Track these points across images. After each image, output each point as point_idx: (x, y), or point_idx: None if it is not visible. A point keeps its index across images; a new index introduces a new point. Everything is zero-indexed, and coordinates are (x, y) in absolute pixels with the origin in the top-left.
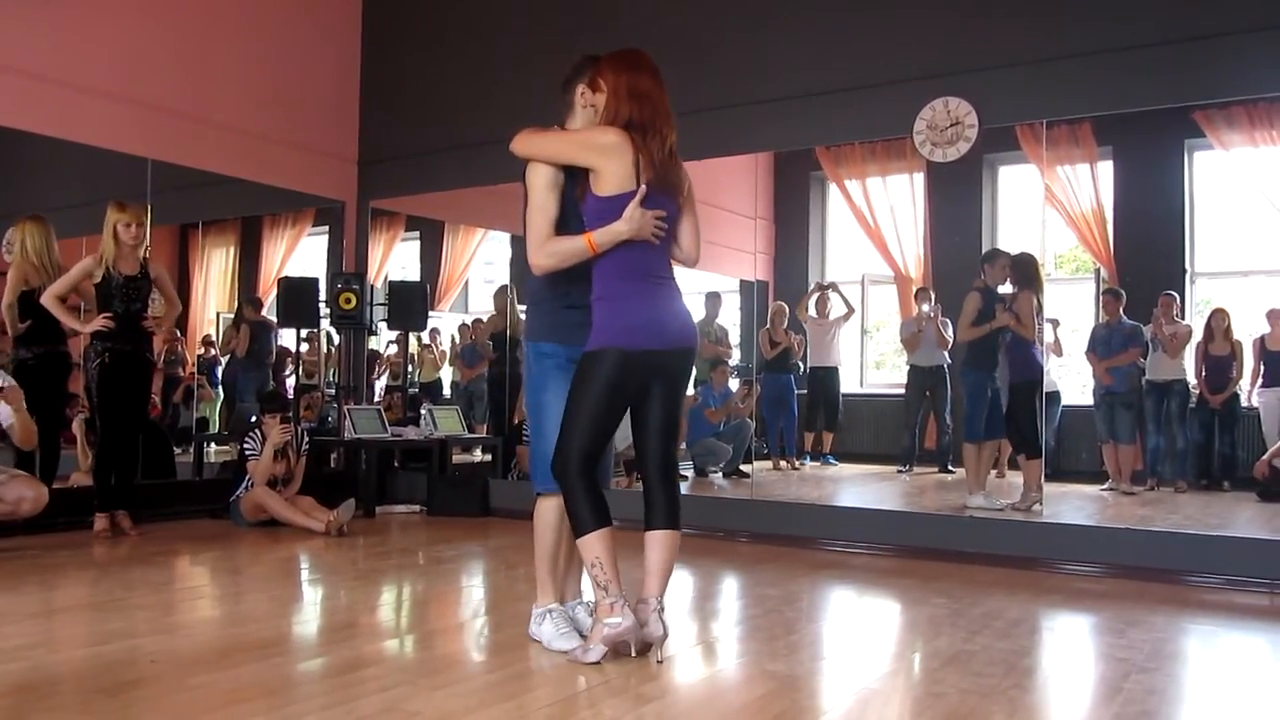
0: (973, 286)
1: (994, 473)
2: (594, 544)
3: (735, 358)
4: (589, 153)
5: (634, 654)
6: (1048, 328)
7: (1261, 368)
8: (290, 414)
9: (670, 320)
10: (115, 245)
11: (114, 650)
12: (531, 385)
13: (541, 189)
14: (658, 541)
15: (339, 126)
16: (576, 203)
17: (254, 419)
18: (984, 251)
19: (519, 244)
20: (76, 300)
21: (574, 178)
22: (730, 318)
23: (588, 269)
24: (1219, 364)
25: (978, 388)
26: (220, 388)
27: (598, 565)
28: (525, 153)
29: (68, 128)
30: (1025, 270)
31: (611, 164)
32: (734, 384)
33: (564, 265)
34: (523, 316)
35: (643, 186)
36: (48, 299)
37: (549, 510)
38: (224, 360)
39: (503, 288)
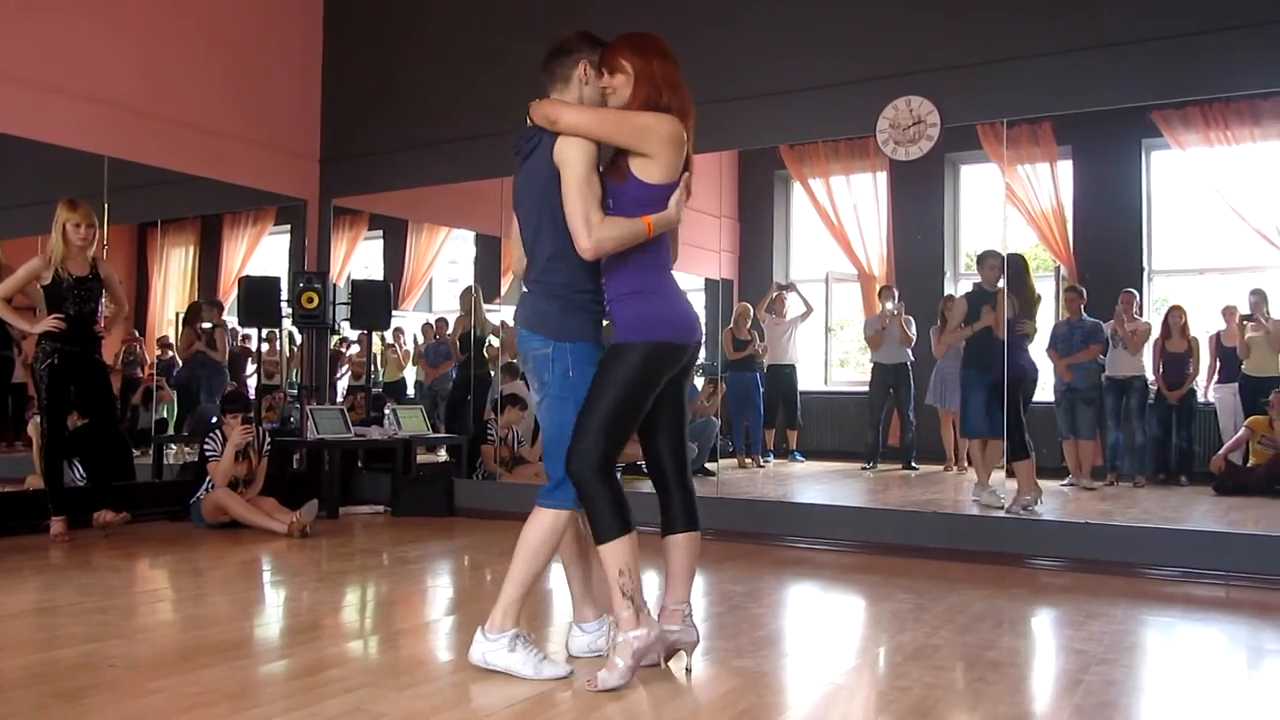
0: (959, 292)
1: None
2: (621, 550)
3: (700, 356)
4: (651, 140)
5: (662, 664)
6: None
7: (1217, 364)
8: (252, 415)
9: (692, 314)
10: (64, 246)
11: (71, 655)
12: (574, 391)
13: (584, 165)
14: (682, 545)
15: (301, 124)
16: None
17: (214, 420)
18: (979, 253)
19: (483, 243)
20: (26, 301)
21: (602, 159)
22: None
23: (598, 262)
24: (1176, 361)
25: (973, 385)
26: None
27: (626, 574)
28: (573, 126)
29: (22, 124)
30: (1012, 270)
31: (670, 155)
32: (699, 382)
33: (623, 248)
34: (489, 317)
35: (688, 173)
36: None
37: (554, 529)
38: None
39: (468, 288)
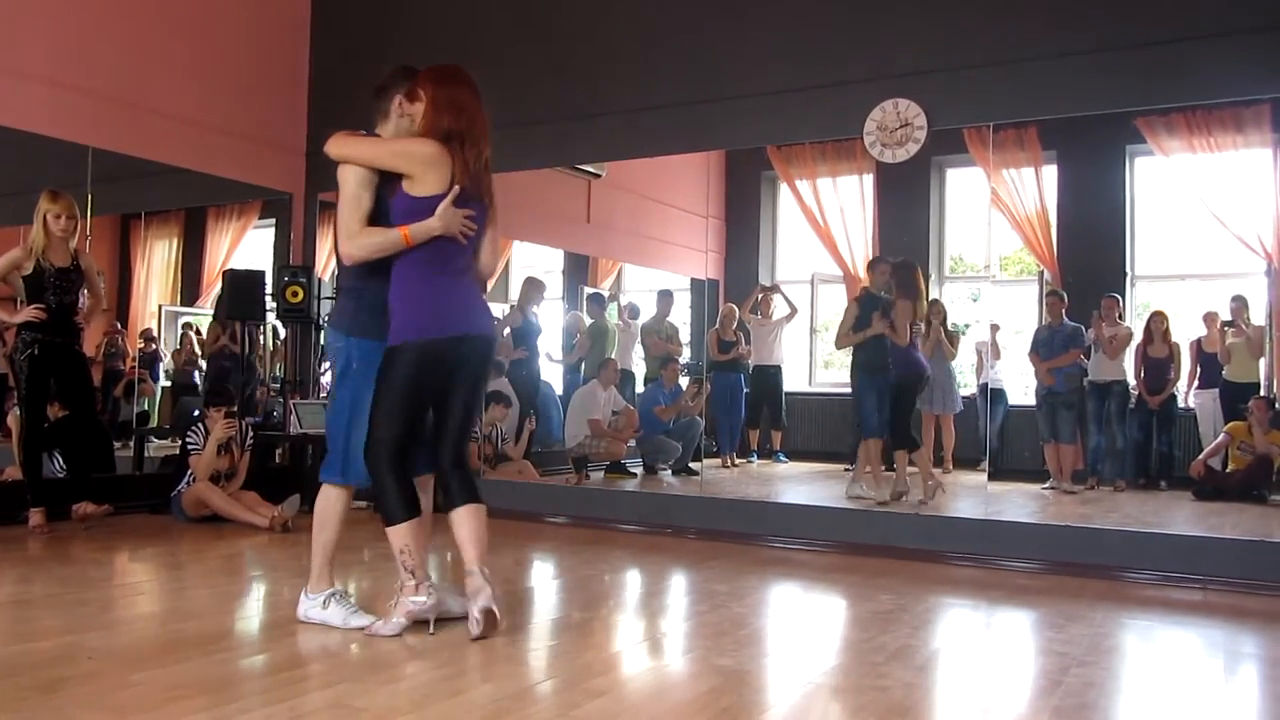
0: (853, 296)
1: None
2: (404, 533)
3: (685, 356)
4: (407, 161)
5: (432, 630)
6: (988, 331)
7: (1198, 369)
8: (235, 408)
9: (470, 307)
10: (45, 236)
11: (50, 647)
12: (354, 382)
13: (355, 185)
14: (464, 516)
15: (287, 117)
16: (385, 200)
17: (196, 414)
18: (869, 259)
19: None
20: (8, 291)
21: (385, 179)
22: (681, 316)
23: (388, 264)
24: (1157, 365)
25: (867, 389)
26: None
27: (406, 551)
28: (341, 156)
29: (5, 114)
30: (903, 277)
31: (429, 173)
32: (684, 382)
33: (375, 256)
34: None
35: (456, 187)
36: None
37: (339, 499)
38: (204, 362)
39: None
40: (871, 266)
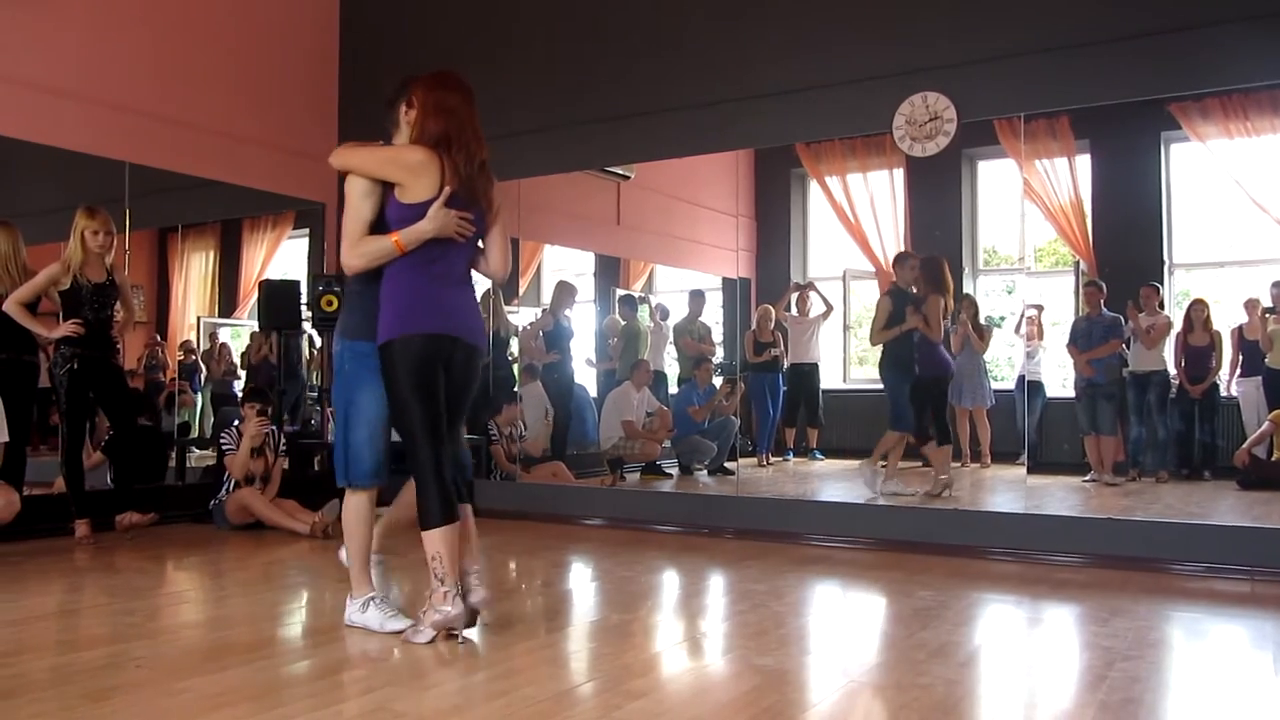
0: (884, 290)
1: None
2: (437, 539)
3: (719, 355)
4: (395, 169)
5: (461, 641)
6: (1031, 312)
7: (1240, 357)
8: (270, 408)
9: (454, 311)
10: (83, 252)
11: (98, 655)
12: (346, 383)
13: (357, 195)
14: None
15: (318, 127)
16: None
17: (235, 422)
18: (895, 254)
19: None
20: (51, 308)
21: (386, 189)
22: (713, 315)
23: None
24: (1198, 354)
25: (899, 385)
26: (209, 396)
27: (438, 559)
28: (341, 165)
29: (44, 132)
30: (932, 272)
31: (418, 179)
32: (717, 381)
33: (373, 264)
34: (510, 319)
35: (446, 189)
36: (9, 305)
37: (360, 505)
38: (240, 372)
39: (486, 291)
40: (899, 261)
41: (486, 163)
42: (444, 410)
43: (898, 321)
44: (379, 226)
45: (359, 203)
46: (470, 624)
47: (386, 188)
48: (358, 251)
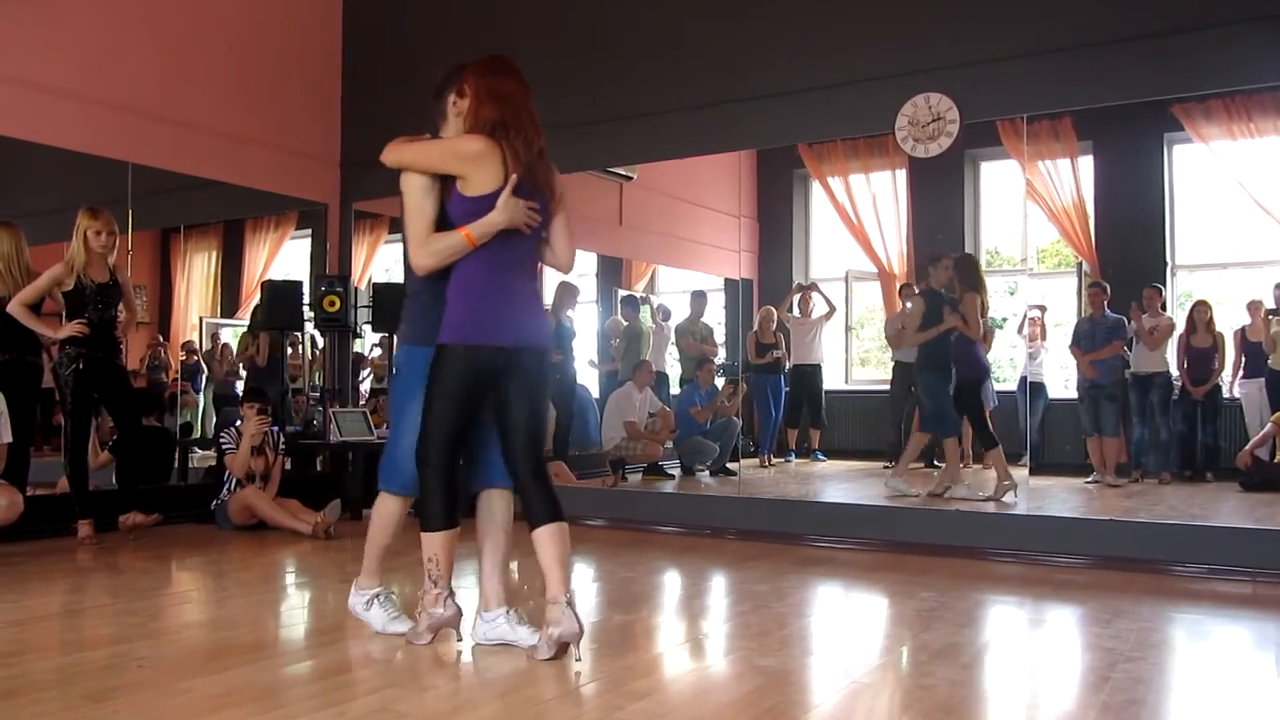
0: (917, 290)
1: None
2: (436, 542)
3: (720, 356)
4: (454, 160)
5: (459, 640)
6: (1034, 313)
7: (1242, 359)
8: (269, 407)
9: (518, 320)
10: (86, 252)
11: (100, 656)
12: (402, 387)
13: (417, 193)
14: (547, 537)
15: (321, 128)
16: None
17: (235, 422)
18: (930, 254)
19: None
20: (55, 308)
21: (444, 183)
22: (715, 316)
23: (444, 270)
24: (1201, 356)
25: (938, 386)
26: (210, 397)
27: (434, 561)
28: (395, 162)
29: (46, 132)
30: (967, 271)
31: (479, 170)
32: (720, 382)
33: (445, 262)
34: None
35: (513, 176)
36: (14, 307)
37: (391, 508)
38: (224, 369)
39: None
40: (934, 262)
41: (545, 149)
42: (478, 419)
43: (934, 323)
44: (440, 224)
45: (420, 200)
46: (559, 655)
47: (446, 182)
48: (428, 250)
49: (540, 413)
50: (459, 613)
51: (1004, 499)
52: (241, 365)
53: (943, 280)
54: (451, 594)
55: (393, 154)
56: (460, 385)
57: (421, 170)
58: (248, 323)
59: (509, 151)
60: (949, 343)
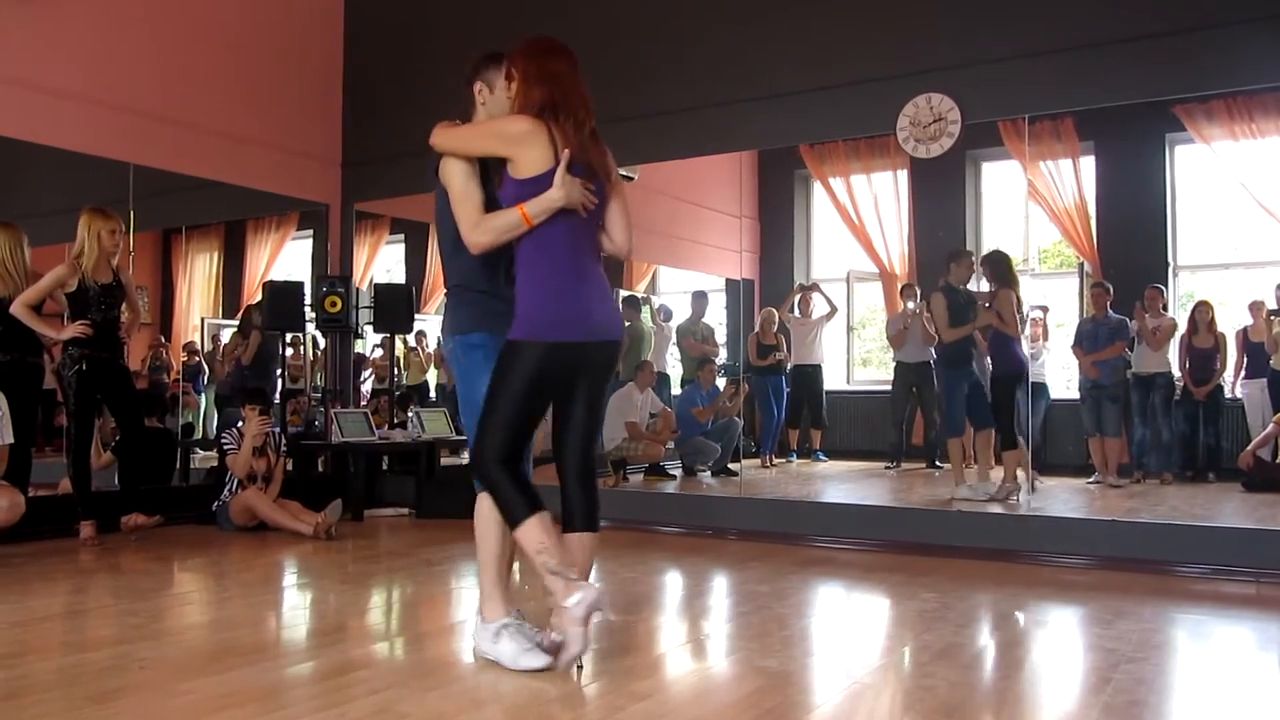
0: (937, 287)
1: (981, 465)
2: (535, 530)
3: (722, 356)
4: (499, 142)
5: (611, 616)
6: (1036, 314)
7: (1244, 359)
8: (270, 408)
9: (597, 311)
10: (98, 252)
11: (102, 657)
12: (465, 379)
13: (460, 178)
14: (579, 545)
15: (322, 129)
16: (493, 197)
17: (237, 423)
18: (950, 251)
19: None
20: (56, 309)
21: (490, 172)
22: (716, 316)
23: (500, 258)
24: (1203, 356)
25: (955, 385)
26: (212, 398)
27: (545, 551)
28: (445, 147)
29: (47, 133)
30: (1000, 268)
31: (527, 150)
32: (721, 383)
33: (501, 239)
34: None
35: (566, 152)
36: (17, 308)
37: (484, 508)
38: (227, 369)
39: None
40: (956, 259)
41: (596, 131)
42: (540, 420)
43: (959, 319)
44: (490, 209)
45: (465, 184)
46: (565, 666)
47: (491, 174)
48: (484, 228)
49: (601, 410)
50: (597, 589)
51: (1008, 500)
52: (226, 364)
53: (963, 277)
54: (574, 576)
55: (439, 136)
56: (532, 384)
57: (468, 154)
58: (238, 324)
59: (559, 132)
60: (971, 340)
